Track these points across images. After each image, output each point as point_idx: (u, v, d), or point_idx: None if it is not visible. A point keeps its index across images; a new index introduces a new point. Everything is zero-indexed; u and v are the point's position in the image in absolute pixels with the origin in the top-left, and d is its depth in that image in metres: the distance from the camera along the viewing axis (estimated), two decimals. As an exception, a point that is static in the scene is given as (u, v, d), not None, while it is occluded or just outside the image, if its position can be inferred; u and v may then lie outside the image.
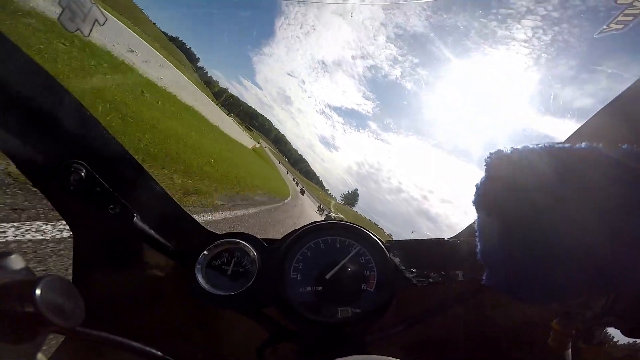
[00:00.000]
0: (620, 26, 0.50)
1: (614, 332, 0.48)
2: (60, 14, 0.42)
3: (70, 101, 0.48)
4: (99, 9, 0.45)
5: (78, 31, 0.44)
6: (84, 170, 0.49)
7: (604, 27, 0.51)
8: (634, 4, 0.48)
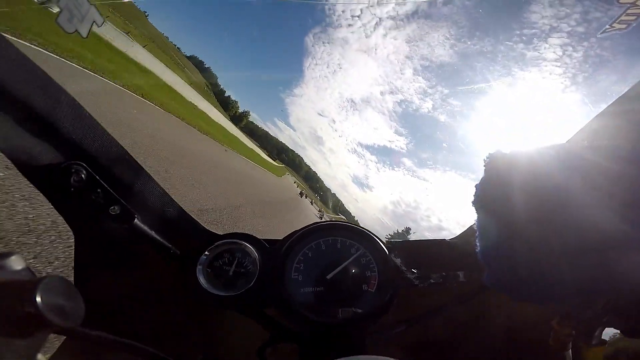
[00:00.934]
0: (623, 26, 0.49)
1: (614, 332, 0.48)
2: (58, 15, 0.42)
3: (70, 102, 0.48)
4: (97, 10, 0.45)
5: (76, 32, 0.43)
6: (84, 172, 0.49)
7: (607, 26, 0.50)
8: (637, 3, 0.48)
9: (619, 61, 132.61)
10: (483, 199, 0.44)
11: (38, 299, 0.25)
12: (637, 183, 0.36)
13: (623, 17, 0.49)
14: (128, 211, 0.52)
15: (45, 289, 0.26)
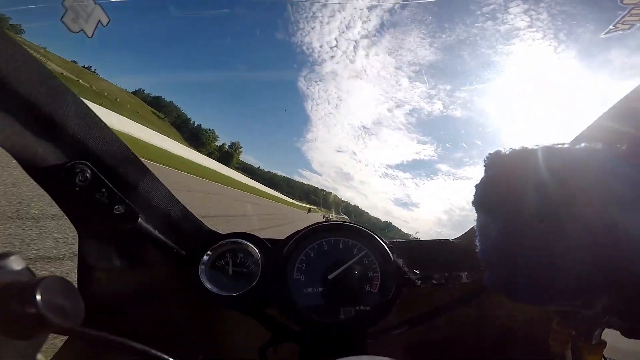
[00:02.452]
0: (627, 26, 0.49)
1: (614, 332, 0.48)
2: (63, 15, 0.41)
3: (75, 102, 0.48)
4: (102, 9, 0.44)
5: (81, 32, 0.43)
6: (89, 171, 0.49)
7: (611, 27, 0.50)
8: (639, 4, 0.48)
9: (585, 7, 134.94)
10: (483, 200, 0.44)
11: (38, 299, 0.25)
12: (638, 184, 0.36)
13: (627, 18, 0.49)
14: (132, 211, 0.52)
15: (45, 289, 0.26)
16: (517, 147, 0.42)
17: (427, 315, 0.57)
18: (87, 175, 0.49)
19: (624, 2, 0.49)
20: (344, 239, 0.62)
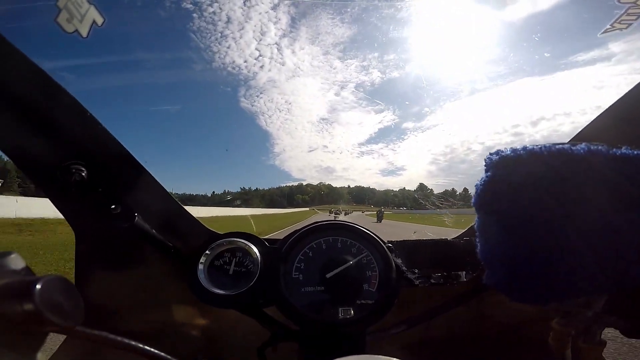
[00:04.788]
0: (624, 25, 0.49)
1: (614, 332, 0.48)
2: (57, 15, 0.41)
3: (70, 102, 0.48)
4: (97, 9, 0.44)
5: (76, 32, 0.43)
6: (85, 170, 0.49)
7: (608, 26, 0.50)
8: (637, 3, 0.48)
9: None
10: (484, 199, 0.44)
11: (37, 299, 0.25)
12: (637, 183, 0.36)
13: (623, 17, 0.50)
14: (129, 210, 0.52)
15: (44, 288, 0.26)
16: (517, 147, 0.42)
17: (426, 314, 0.57)
18: (84, 174, 0.49)
19: (620, 1, 0.49)
20: (343, 239, 0.62)
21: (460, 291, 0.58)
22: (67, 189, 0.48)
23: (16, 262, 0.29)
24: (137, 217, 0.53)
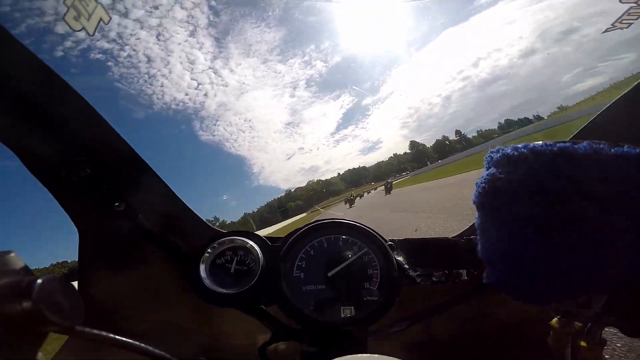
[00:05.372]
0: (625, 25, 0.50)
1: (614, 332, 0.48)
2: (65, 13, 0.42)
3: (76, 99, 0.48)
4: (103, 8, 0.45)
5: (83, 30, 0.43)
6: (89, 168, 0.49)
7: (610, 26, 0.51)
8: (638, 3, 0.48)
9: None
10: (484, 198, 0.44)
11: (36, 298, 0.25)
12: (637, 183, 0.36)
13: (625, 17, 0.50)
14: (132, 208, 0.52)
15: (43, 287, 0.26)
16: (518, 145, 0.42)
17: (427, 312, 0.57)
18: (88, 172, 0.49)
19: (622, 1, 0.49)
20: (344, 237, 0.62)
21: (461, 290, 0.58)
22: (71, 187, 0.49)
23: (15, 261, 0.29)
24: (140, 215, 0.53)
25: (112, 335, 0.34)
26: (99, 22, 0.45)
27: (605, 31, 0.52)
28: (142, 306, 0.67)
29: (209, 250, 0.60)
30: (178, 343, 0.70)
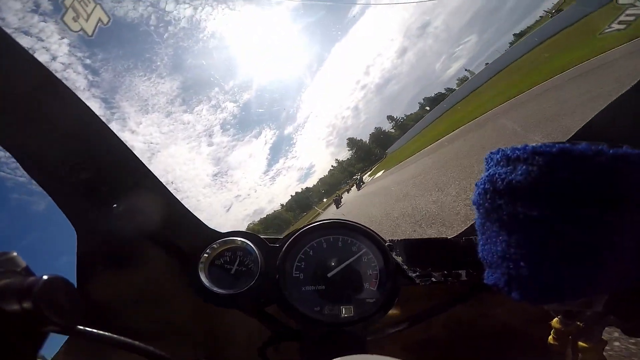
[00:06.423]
0: (622, 26, 0.50)
1: (614, 332, 0.48)
2: (64, 14, 0.42)
3: (75, 101, 0.48)
4: (102, 8, 0.45)
5: (81, 31, 0.43)
6: (87, 169, 0.49)
7: (606, 26, 0.51)
8: (635, 4, 0.48)
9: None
10: (484, 198, 0.44)
11: (37, 298, 0.25)
12: (637, 183, 0.36)
13: (622, 17, 0.50)
14: (131, 209, 0.52)
15: (44, 287, 0.26)
16: (517, 145, 0.42)
17: (426, 313, 0.57)
18: (86, 173, 0.49)
19: (619, 1, 0.49)
20: (343, 237, 0.62)
21: (461, 290, 0.58)
22: (70, 187, 0.49)
23: (16, 261, 0.29)
24: (138, 216, 0.54)
25: (112, 335, 0.34)
26: (97, 22, 0.45)
27: (601, 33, 0.52)
28: (142, 306, 0.67)
29: (207, 250, 0.60)
30: (178, 343, 0.70)
